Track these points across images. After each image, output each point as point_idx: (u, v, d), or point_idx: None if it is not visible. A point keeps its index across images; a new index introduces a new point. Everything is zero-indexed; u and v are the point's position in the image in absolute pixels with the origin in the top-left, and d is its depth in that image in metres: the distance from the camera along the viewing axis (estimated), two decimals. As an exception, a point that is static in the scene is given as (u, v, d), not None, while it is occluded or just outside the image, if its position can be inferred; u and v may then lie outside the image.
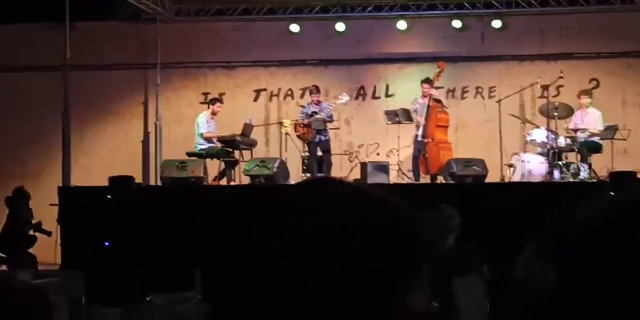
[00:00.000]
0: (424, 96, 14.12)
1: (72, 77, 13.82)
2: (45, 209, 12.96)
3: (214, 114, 14.51)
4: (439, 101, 14.12)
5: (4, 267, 12.24)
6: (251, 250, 1.14)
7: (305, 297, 1.08)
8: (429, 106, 13.96)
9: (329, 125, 14.36)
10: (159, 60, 16.09)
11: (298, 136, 14.24)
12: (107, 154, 16.16)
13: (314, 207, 1.13)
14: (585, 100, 13.86)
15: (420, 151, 13.90)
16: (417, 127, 14.04)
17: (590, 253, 1.16)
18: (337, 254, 1.09)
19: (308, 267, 1.09)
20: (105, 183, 11.63)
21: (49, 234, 12.90)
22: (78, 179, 13.26)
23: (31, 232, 13.33)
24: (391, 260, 1.12)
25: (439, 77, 14.27)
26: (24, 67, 16.36)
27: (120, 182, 11.58)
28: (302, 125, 14.16)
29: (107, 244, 10.98)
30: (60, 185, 12.68)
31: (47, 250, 12.72)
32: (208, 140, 14.23)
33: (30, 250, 13.16)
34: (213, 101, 14.92)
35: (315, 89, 14.51)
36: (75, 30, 14.40)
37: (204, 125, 14.24)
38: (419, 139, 13.94)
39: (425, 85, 14.14)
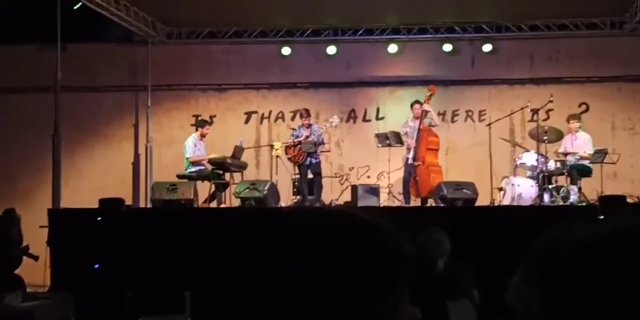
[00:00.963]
0: (416, 118, 14.17)
1: (63, 98, 13.82)
2: (35, 231, 12.90)
3: (202, 136, 14.51)
4: (426, 112, 14.09)
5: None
6: (242, 273, 1.14)
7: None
8: (419, 129, 14.00)
9: (320, 148, 14.36)
10: (150, 82, 16.11)
11: (289, 159, 14.25)
12: (98, 175, 16.13)
13: (305, 233, 1.14)
14: (574, 124, 13.92)
15: (410, 174, 13.92)
16: (408, 149, 14.07)
17: (578, 279, 1.17)
18: (326, 280, 1.10)
19: (299, 292, 1.09)
20: (96, 205, 11.60)
21: (35, 258, 12.84)
22: (68, 201, 13.23)
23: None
24: (373, 281, 1.12)
25: (430, 100, 14.31)
26: (14, 88, 16.36)
27: (110, 204, 11.55)
28: (292, 148, 14.17)
29: (97, 266, 10.93)
30: (50, 207, 12.64)
31: (36, 272, 12.63)
32: (197, 163, 14.21)
33: (19, 272, 13.08)
34: (202, 123, 14.93)
35: (306, 113, 14.53)
36: (66, 52, 14.42)
37: (191, 149, 14.22)
38: (410, 161, 13.96)
39: (417, 106, 14.20)
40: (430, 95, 14.29)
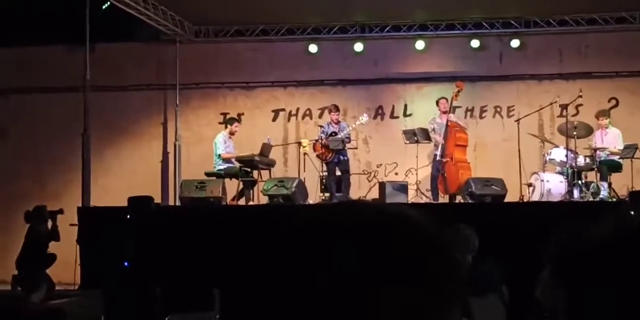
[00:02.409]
0: (443, 113, 14.14)
1: (92, 98, 13.91)
2: (65, 229, 13.00)
3: (231, 133, 14.56)
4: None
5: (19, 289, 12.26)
6: (273, 271, 1.13)
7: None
8: (447, 125, 13.95)
9: (347, 145, 14.35)
10: (178, 81, 16.17)
11: (317, 156, 14.24)
12: (127, 174, 16.22)
13: (340, 229, 1.12)
14: (603, 121, 13.82)
15: (439, 170, 13.88)
16: (436, 146, 14.04)
17: (604, 273, 1.16)
18: (364, 276, 1.08)
19: (331, 290, 1.08)
20: (125, 203, 11.66)
21: (57, 237, 12.88)
22: (97, 200, 13.31)
23: (49, 249, 13.33)
24: (428, 282, 1.10)
25: (458, 96, 14.26)
26: (44, 88, 16.49)
27: (139, 202, 11.61)
28: (320, 145, 14.16)
29: (126, 264, 11.00)
30: (80, 205, 12.72)
31: (67, 270, 12.73)
32: (226, 160, 14.26)
33: (49, 271, 13.18)
34: (231, 121, 14.97)
35: (335, 108, 14.52)
36: (94, 52, 14.51)
37: (222, 145, 14.28)
38: (438, 158, 13.92)
39: (442, 101, 14.20)
40: (458, 91, 14.25)
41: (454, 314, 1.13)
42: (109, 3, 14.15)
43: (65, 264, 12.65)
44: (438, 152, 13.94)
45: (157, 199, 13.35)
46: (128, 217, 11.33)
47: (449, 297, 1.12)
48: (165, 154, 16.59)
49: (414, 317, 1.08)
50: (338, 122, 14.38)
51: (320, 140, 14.18)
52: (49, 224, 12.97)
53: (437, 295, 1.10)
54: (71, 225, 12.47)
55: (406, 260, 1.10)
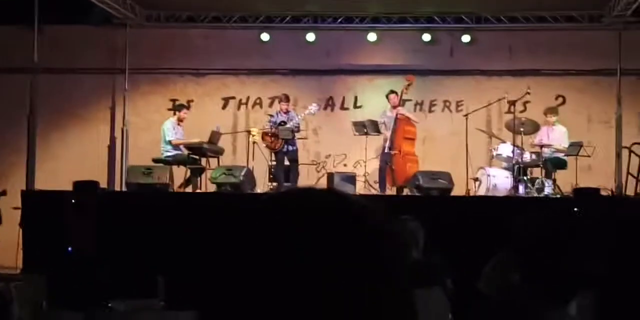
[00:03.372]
0: (393, 107, 14.22)
1: (40, 80, 13.73)
2: (8, 212, 12.84)
3: (180, 120, 14.48)
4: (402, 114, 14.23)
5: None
6: (219, 258, 1.13)
7: (276, 306, 1.08)
8: (396, 118, 14.04)
9: (297, 135, 14.36)
10: (127, 66, 16.01)
11: (266, 145, 14.23)
12: (73, 158, 16.04)
13: (288, 214, 1.12)
14: (551, 118, 14.00)
15: (386, 163, 13.96)
16: (385, 140, 14.13)
17: (550, 264, 1.18)
18: (313, 261, 1.08)
19: (279, 275, 1.08)
20: (70, 188, 11.54)
21: None
22: (43, 183, 13.15)
23: None
24: (378, 266, 1.11)
25: (408, 90, 14.35)
26: (-8, 69, 16.24)
27: (84, 187, 11.50)
28: (270, 135, 14.15)
29: (69, 248, 10.89)
30: (24, 189, 12.57)
31: (9, 254, 12.59)
32: (175, 147, 14.18)
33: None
34: (179, 107, 14.89)
35: (285, 98, 14.52)
36: (44, 33, 14.30)
37: (170, 132, 14.20)
38: (386, 150, 14.01)
39: (392, 95, 14.28)
40: (408, 85, 14.33)
41: (406, 300, 1.13)
42: (60, -16, 13.94)
43: (8, 247, 12.50)
44: (387, 145, 14.03)
45: (104, 184, 13.24)
46: (73, 201, 11.21)
47: (399, 282, 1.12)
48: (112, 139, 16.43)
49: (365, 301, 1.09)
50: (287, 112, 14.37)
51: (270, 130, 14.17)
52: None
53: (387, 279, 1.11)
54: (14, 208, 12.32)
55: (356, 245, 1.10)
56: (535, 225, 1.26)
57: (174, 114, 14.74)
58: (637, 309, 9.85)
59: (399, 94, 14.31)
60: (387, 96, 14.45)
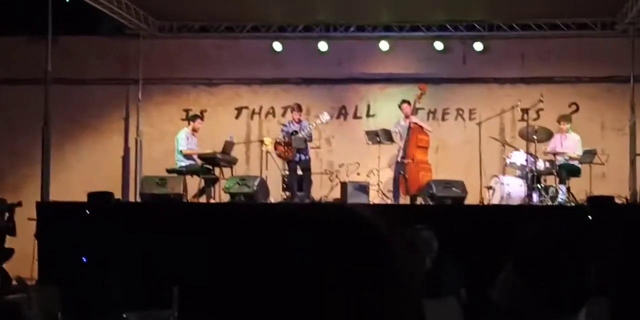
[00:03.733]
0: (406, 117, 14.23)
1: (53, 91, 13.78)
2: (23, 223, 12.87)
3: (194, 130, 14.51)
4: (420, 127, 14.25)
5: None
6: (233, 269, 1.13)
7: (290, 318, 1.08)
8: (409, 127, 14.04)
9: (310, 144, 14.36)
10: (141, 76, 16.07)
11: (278, 155, 14.23)
12: (87, 169, 16.09)
13: (302, 229, 1.13)
14: (565, 126, 13.98)
15: (400, 172, 13.95)
16: (399, 150, 14.13)
17: (563, 272, 1.19)
18: (321, 276, 1.09)
19: (293, 288, 1.09)
20: (84, 198, 11.57)
21: (12, 231, 12.73)
22: (57, 194, 13.18)
23: (6, 244, 13.18)
24: (383, 281, 1.11)
25: (421, 99, 14.35)
26: (4, 80, 16.32)
27: (99, 198, 11.53)
28: (282, 144, 14.15)
29: (84, 259, 10.92)
30: (39, 200, 12.60)
31: (24, 265, 12.61)
32: (188, 157, 14.21)
33: (6, 265, 13.04)
34: (194, 118, 14.93)
35: (297, 107, 14.52)
36: (57, 44, 14.37)
37: (184, 142, 14.23)
38: (399, 159, 14.01)
39: (405, 105, 14.29)
40: (421, 94, 14.34)
41: (418, 311, 1.14)
42: (73, -4, 14.02)
43: (24, 258, 12.54)
44: (400, 154, 14.04)
45: (118, 195, 13.28)
46: (87, 212, 11.24)
47: (410, 293, 1.13)
48: (126, 149, 16.48)
49: (376, 312, 1.09)
50: (300, 121, 14.38)
51: (282, 140, 14.17)
52: (6, 216, 12.82)
53: (398, 291, 1.11)
54: (29, 219, 12.34)
55: (367, 258, 1.11)
56: (540, 233, 1.26)
57: (188, 124, 14.78)
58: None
59: (412, 103, 14.32)
60: (399, 106, 14.45)
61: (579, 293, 1.19)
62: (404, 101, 14.42)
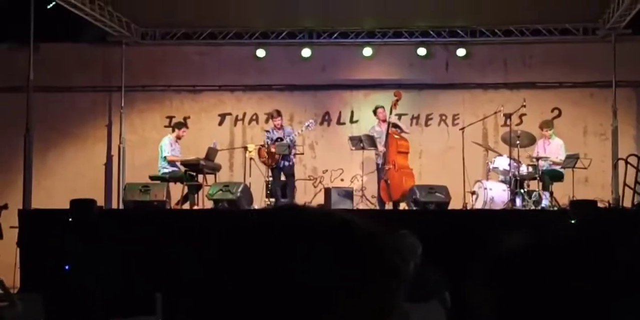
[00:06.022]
0: (383, 121, 14.27)
1: (36, 98, 13.72)
2: (5, 231, 12.79)
3: (178, 138, 14.49)
4: (396, 126, 14.23)
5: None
6: (214, 275, 1.13)
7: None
8: (387, 133, 14.06)
9: (293, 150, 14.36)
10: (123, 83, 16.03)
11: (262, 161, 14.22)
12: (70, 176, 16.03)
13: (281, 233, 1.13)
14: (547, 132, 14.06)
15: (381, 178, 13.98)
16: (377, 155, 14.16)
17: (530, 278, 1.18)
18: (302, 277, 1.09)
19: (271, 292, 1.08)
20: (67, 206, 11.52)
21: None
22: (39, 202, 13.13)
23: None
24: (367, 284, 1.11)
25: (397, 105, 14.36)
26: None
27: (81, 205, 11.47)
28: (266, 151, 14.15)
29: (67, 267, 10.86)
30: (21, 207, 12.54)
31: (6, 273, 12.53)
32: (172, 163, 14.18)
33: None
34: (179, 125, 14.89)
35: (277, 113, 14.50)
36: (39, 52, 14.32)
37: (168, 148, 14.20)
38: (380, 166, 14.05)
39: (380, 110, 14.33)
40: (397, 100, 14.36)
41: (395, 316, 1.14)
42: (54, 3, 13.97)
43: (5, 267, 12.46)
44: (379, 161, 14.07)
45: (101, 202, 13.22)
46: (70, 220, 11.19)
47: (387, 299, 1.13)
48: (109, 156, 16.43)
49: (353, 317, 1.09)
50: (281, 127, 14.37)
51: (266, 147, 14.17)
52: None
53: (376, 297, 1.11)
54: (11, 227, 12.27)
55: (345, 263, 1.11)
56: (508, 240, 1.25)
57: (173, 131, 14.75)
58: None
59: (390, 108, 14.31)
60: (374, 111, 14.51)
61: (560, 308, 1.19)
62: (378, 106, 14.48)
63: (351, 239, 1.14)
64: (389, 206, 13.81)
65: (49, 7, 14.05)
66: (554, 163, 13.67)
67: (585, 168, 13.59)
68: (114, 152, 16.37)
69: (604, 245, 1.24)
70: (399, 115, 14.61)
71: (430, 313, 6.94)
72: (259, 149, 14.28)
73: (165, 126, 16.07)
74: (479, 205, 12.99)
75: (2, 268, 12.52)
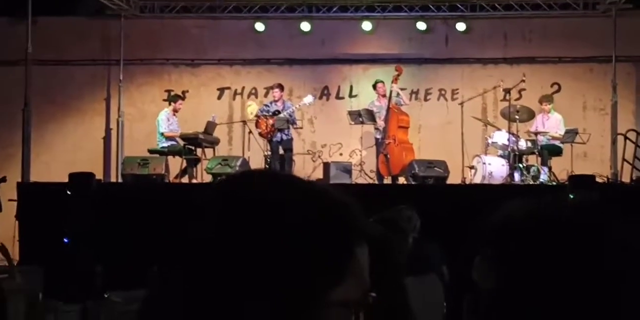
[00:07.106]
0: (382, 96, 14.25)
1: (34, 72, 13.68)
2: (4, 204, 12.82)
3: (175, 111, 14.46)
4: (396, 92, 14.21)
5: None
6: (209, 248, 1.13)
7: (255, 291, 1.08)
8: (388, 108, 14.04)
9: (292, 126, 14.34)
10: (122, 57, 15.98)
11: (260, 134, 14.20)
12: (68, 150, 16.02)
13: (255, 202, 1.12)
14: (547, 106, 14.04)
15: (381, 152, 13.98)
16: (377, 129, 14.15)
17: (535, 254, 1.18)
18: (271, 247, 1.09)
19: (261, 263, 1.08)
20: (66, 179, 11.53)
21: None
22: (38, 175, 13.14)
23: None
24: (317, 250, 1.10)
25: (398, 80, 14.33)
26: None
27: (80, 179, 11.48)
28: (265, 122, 14.09)
29: (66, 240, 10.89)
30: (20, 181, 12.55)
31: (6, 245, 12.57)
32: (170, 138, 14.17)
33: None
34: (174, 98, 14.87)
35: (278, 86, 14.47)
36: (37, 25, 14.26)
37: (165, 123, 14.18)
38: (380, 140, 14.04)
39: (380, 84, 14.30)
40: (398, 75, 14.33)
41: (352, 282, 1.13)
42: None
43: (4, 239, 12.49)
44: (379, 136, 14.06)
45: (99, 176, 13.22)
46: (68, 193, 11.21)
47: (336, 262, 1.13)
48: (108, 130, 16.42)
49: (301, 282, 1.09)
50: (280, 100, 14.32)
51: (265, 118, 14.13)
52: None
53: (324, 260, 1.11)
54: (10, 200, 12.30)
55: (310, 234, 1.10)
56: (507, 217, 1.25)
57: (169, 104, 14.72)
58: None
59: (391, 82, 14.27)
60: (374, 86, 14.48)
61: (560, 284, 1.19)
62: (377, 81, 14.45)
63: (321, 209, 1.13)
64: (387, 181, 13.82)
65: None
66: (553, 138, 13.67)
67: (584, 143, 13.59)
68: (113, 125, 16.35)
69: (602, 220, 1.23)
70: (397, 92, 14.56)
71: (428, 286, 6.97)
72: (258, 121, 14.22)
73: (164, 100, 16.03)
74: (477, 179, 13.00)
75: (2, 240, 12.56)
